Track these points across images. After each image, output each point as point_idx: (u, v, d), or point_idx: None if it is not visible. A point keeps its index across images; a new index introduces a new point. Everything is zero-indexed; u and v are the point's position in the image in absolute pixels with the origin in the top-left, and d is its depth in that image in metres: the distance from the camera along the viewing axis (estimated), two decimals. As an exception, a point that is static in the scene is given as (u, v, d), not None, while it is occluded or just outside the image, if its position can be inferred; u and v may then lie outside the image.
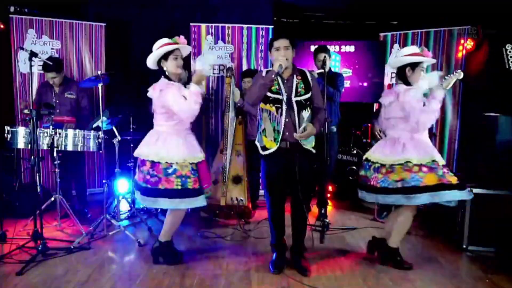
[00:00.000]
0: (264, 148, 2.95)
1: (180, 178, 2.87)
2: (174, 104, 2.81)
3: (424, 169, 2.88)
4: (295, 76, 2.92)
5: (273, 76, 2.77)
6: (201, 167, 3.02)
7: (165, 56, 2.92)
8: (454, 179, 2.88)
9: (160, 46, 2.90)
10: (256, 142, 3.04)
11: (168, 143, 2.89)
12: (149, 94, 2.95)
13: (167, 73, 2.96)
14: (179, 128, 2.96)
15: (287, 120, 2.85)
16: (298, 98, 2.87)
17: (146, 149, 2.91)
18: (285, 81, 2.89)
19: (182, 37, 2.96)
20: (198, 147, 3.05)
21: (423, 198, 2.86)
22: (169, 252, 3.10)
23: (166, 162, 2.85)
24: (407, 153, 2.92)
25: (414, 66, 2.99)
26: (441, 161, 2.96)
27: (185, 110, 2.83)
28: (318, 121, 2.98)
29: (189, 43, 4.85)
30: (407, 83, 3.03)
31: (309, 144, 2.95)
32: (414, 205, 2.96)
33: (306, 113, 2.91)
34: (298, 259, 3.02)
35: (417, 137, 3.00)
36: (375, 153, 3.06)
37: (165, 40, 2.93)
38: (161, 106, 2.88)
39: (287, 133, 2.87)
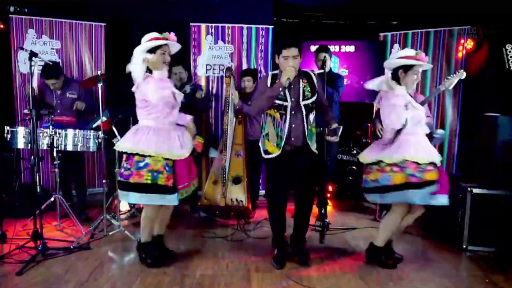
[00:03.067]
0: (267, 152, 2.97)
1: (151, 173, 2.80)
2: (153, 94, 2.78)
3: (395, 168, 2.87)
4: (301, 80, 2.92)
5: (280, 89, 2.78)
6: (180, 165, 2.90)
7: (152, 50, 2.86)
8: (431, 176, 2.83)
9: (150, 39, 2.87)
10: (260, 144, 3.06)
11: (146, 137, 2.83)
12: (133, 89, 2.91)
13: (148, 66, 2.89)
14: (161, 122, 2.89)
15: (293, 125, 2.88)
16: (306, 102, 2.89)
17: (123, 142, 2.88)
18: (292, 86, 2.87)
19: (172, 34, 2.92)
20: (182, 144, 2.92)
21: (391, 197, 2.90)
22: (149, 253, 3.06)
23: (138, 155, 2.80)
24: (380, 153, 2.94)
25: (407, 69, 2.92)
26: (417, 158, 2.86)
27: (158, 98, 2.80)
28: (333, 118, 3.06)
29: (189, 43, 4.92)
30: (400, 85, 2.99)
31: (314, 146, 2.98)
32: (403, 206, 2.99)
33: (312, 116, 2.95)
34: (299, 250, 3.08)
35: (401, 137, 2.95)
36: (363, 155, 3.10)
37: (154, 34, 2.89)
38: (141, 100, 2.85)
39: (292, 138, 2.89)
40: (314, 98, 2.92)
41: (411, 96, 3.01)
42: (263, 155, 3.01)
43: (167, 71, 2.96)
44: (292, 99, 2.86)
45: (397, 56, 3.01)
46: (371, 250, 3.14)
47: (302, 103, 2.88)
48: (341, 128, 2.96)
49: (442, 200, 2.87)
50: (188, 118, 3.09)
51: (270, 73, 3.02)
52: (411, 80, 2.95)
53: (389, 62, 3.07)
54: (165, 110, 2.87)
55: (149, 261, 3.04)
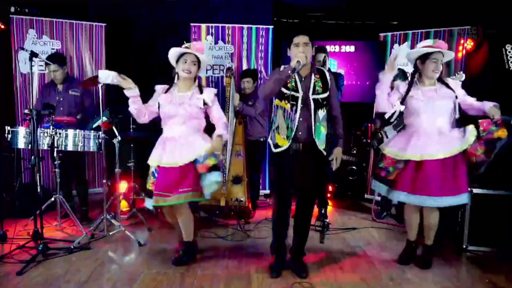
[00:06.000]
0: (277, 145, 2.89)
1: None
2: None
3: None
4: (313, 74, 2.87)
5: (289, 72, 2.68)
6: (165, 172, 2.90)
7: (178, 59, 2.98)
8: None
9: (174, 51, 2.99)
10: (269, 140, 2.99)
11: (156, 146, 3.04)
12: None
13: (177, 75, 3.04)
14: (166, 130, 3.03)
15: (301, 118, 2.81)
16: (316, 96, 2.83)
17: None
18: (303, 78, 2.84)
19: (198, 43, 3.04)
20: (174, 153, 2.90)
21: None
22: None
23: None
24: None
25: (424, 58, 2.96)
26: None
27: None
28: (338, 134, 3.00)
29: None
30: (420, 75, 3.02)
31: (322, 145, 2.89)
32: None
33: (322, 113, 2.86)
34: (297, 262, 3.00)
35: None
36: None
37: (186, 45, 2.99)
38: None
39: (300, 133, 2.82)
40: (325, 95, 2.86)
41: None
42: (273, 149, 2.91)
43: (192, 79, 3.07)
44: (303, 92, 2.82)
45: (418, 46, 3.02)
46: (428, 251, 3.15)
47: (311, 96, 2.82)
48: (336, 163, 2.93)
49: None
50: (216, 131, 3.03)
51: (283, 66, 2.88)
52: (429, 69, 2.95)
53: (408, 54, 3.07)
54: (163, 120, 3.03)
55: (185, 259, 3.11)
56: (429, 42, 3.01)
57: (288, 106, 2.82)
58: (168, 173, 2.89)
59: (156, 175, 2.93)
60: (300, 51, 2.74)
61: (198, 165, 2.89)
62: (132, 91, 2.92)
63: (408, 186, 2.94)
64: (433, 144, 2.91)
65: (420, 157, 2.90)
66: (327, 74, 2.93)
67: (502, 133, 2.80)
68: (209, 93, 3.05)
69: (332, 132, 3.05)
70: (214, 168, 2.92)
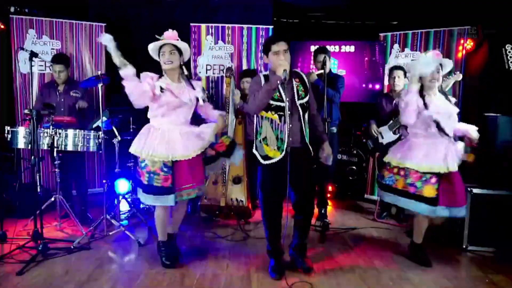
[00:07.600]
0: (266, 157, 2.83)
1: (148, 174, 2.85)
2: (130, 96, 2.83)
3: (401, 172, 3.10)
4: (293, 79, 2.85)
5: (278, 82, 2.67)
6: (182, 166, 2.89)
7: (159, 54, 2.99)
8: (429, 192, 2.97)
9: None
10: (254, 151, 2.91)
11: (148, 138, 2.89)
12: None
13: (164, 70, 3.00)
14: (160, 122, 2.93)
15: (291, 125, 2.78)
16: (301, 101, 2.82)
17: (133, 143, 2.96)
18: (285, 86, 2.78)
19: (169, 31, 2.95)
20: (186, 145, 2.89)
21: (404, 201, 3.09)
22: (163, 253, 3.08)
23: (139, 156, 2.89)
24: (391, 154, 3.17)
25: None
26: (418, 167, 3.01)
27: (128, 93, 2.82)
28: (322, 131, 3.02)
29: (189, 43, 4.91)
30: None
31: (310, 146, 2.89)
32: None
33: (307, 116, 2.88)
34: (301, 258, 3.00)
35: None
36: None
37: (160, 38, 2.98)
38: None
39: (290, 139, 2.78)
40: (307, 98, 2.86)
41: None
42: (262, 161, 2.84)
43: (177, 69, 3.00)
44: (288, 99, 2.77)
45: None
46: (412, 245, 3.25)
47: (298, 102, 2.80)
48: (332, 158, 2.98)
49: (459, 213, 3.01)
50: (216, 113, 3.12)
51: (261, 74, 2.89)
52: (426, 82, 3.01)
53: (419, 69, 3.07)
54: (160, 110, 2.90)
55: (164, 260, 3.05)
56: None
57: (276, 116, 2.79)
58: (183, 166, 2.89)
59: (165, 169, 2.83)
60: (281, 59, 2.72)
61: (216, 146, 3.00)
62: (128, 69, 2.88)
63: (448, 200, 2.99)
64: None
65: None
66: (304, 76, 2.92)
67: (471, 158, 3.04)
68: (200, 89, 3.07)
69: (313, 130, 3.01)
70: (232, 144, 3.07)
